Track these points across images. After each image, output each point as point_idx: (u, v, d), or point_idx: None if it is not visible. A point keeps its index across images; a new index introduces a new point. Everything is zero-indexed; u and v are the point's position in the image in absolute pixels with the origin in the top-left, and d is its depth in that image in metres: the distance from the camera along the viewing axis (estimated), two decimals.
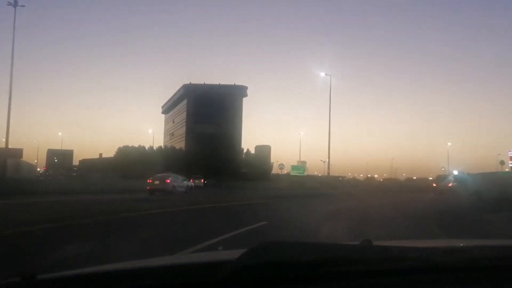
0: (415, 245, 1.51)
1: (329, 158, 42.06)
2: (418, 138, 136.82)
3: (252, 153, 76.28)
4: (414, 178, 68.45)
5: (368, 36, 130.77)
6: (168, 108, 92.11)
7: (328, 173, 45.29)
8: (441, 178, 32.06)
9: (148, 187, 23.14)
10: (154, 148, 72.05)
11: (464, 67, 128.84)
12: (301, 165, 62.39)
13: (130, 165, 56.31)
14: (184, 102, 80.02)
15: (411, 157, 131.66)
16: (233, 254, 1.05)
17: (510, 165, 58.49)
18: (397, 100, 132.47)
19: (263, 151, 77.05)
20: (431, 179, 57.48)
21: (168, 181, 23.66)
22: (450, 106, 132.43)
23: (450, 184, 29.35)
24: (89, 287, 1.08)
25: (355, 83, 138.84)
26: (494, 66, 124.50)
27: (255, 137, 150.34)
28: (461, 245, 1.54)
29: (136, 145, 71.74)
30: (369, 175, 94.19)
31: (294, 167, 61.79)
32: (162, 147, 77.18)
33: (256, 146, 79.01)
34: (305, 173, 60.89)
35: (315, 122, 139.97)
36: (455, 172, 52.91)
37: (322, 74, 41.87)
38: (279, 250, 1.00)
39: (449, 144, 68.14)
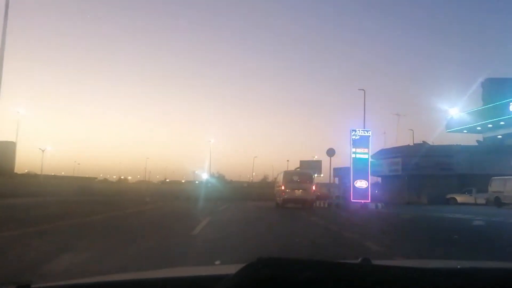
0: (416, 265, 1.49)
1: None
2: (175, 141, 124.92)
3: None
4: (167, 180, 68.68)
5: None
6: None
7: None
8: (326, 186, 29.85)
9: None
10: None
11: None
12: None
13: None
14: None
15: (167, 160, 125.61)
16: (231, 269, 1.04)
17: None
18: (150, 102, 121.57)
19: None
20: (183, 182, 57.78)
21: None
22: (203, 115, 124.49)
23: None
24: None
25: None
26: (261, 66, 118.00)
27: None
28: (464, 267, 1.52)
29: None
30: (122, 177, 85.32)
31: None
32: None
33: None
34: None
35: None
36: (205, 176, 55.53)
37: None
38: (277, 266, 0.99)
39: (211, 141, 61.15)
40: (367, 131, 24.64)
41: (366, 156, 24.36)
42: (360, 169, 23.91)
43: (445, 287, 1.04)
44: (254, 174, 74.79)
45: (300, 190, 21.15)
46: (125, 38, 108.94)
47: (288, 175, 22.65)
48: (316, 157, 54.53)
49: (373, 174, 28.51)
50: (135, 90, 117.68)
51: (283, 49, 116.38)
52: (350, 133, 24.05)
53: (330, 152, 25.14)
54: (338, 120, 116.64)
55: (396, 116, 54.82)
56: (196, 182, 57.84)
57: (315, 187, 23.86)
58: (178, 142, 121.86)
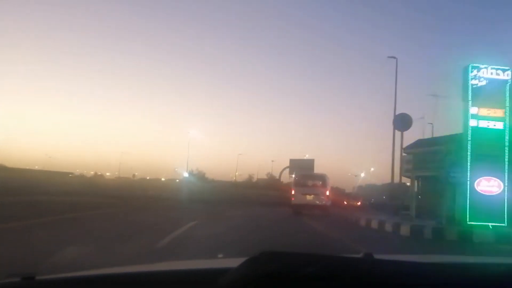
0: (418, 260, 1.49)
1: None
2: (157, 137, 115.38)
3: None
4: (148, 178, 62.81)
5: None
6: None
7: None
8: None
9: None
10: None
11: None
12: None
13: None
14: None
15: (149, 157, 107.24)
16: (233, 262, 1.04)
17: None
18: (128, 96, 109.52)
19: None
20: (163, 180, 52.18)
21: None
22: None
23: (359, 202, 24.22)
24: None
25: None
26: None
27: None
28: (466, 262, 1.53)
29: None
30: (99, 173, 75.57)
31: None
32: None
33: None
34: None
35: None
36: (186, 174, 49.29)
37: None
38: (280, 260, 0.99)
39: (190, 132, 53.46)
40: (504, 70, 11.32)
41: (500, 126, 11.14)
42: (486, 154, 11.04)
43: (447, 282, 1.04)
44: (237, 173, 67.49)
45: (312, 195, 18.50)
46: (100, 29, 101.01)
47: (298, 178, 20.24)
48: (307, 156, 49.32)
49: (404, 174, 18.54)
50: (112, 83, 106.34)
51: (270, 44, 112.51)
52: (466, 75, 11.40)
53: (404, 120, 15.08)
54: (331, 118, 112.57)
55: (434, 98, 41.64)
56: (177, 180, 51.79)
57: (330, 192, 19.68)
58: (160, 138, 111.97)
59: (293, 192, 18.91)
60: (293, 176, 20.82)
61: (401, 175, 19.21)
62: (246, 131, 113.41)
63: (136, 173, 67.78)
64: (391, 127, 21.00)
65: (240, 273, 0.95)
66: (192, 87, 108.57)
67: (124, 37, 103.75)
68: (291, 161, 44.91)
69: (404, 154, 17.47)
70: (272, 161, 65.58)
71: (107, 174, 75.36)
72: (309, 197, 18.45)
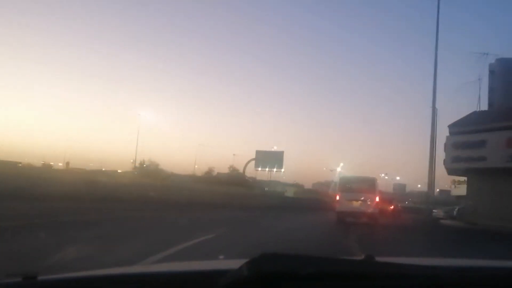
0: (418, 262, 1.49)
1: None
2: (114, 127, 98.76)
3: None
4: (104, 169, 49.41)
5: None
6: None
7: None
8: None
9: None
10: None
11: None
12: None
13: None
14: None
15: (97, 146, 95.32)
16: (234, 263, 1.04)
17: None
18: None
19: None
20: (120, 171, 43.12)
21: None
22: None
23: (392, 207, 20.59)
24: None
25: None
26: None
27: None
28: (468, 264, 1.53)
29: None
30: (51, 163, 63.56)
31: None
32: None
33: None
34: None
35: None
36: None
37: None
38: (281, 261, 0.99)
39: (140, 114, 48.84)
40: None
41: None
42: None
43: (448, 284, 1.05)
44: (196, 166, 60.12)
45: (359, 202, 16.61)
46: (40, 15, 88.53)
47: (344, 181, 18.35)
48: (275, 147, 44.96)
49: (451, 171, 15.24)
50: (62, 69, 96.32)
51: (235, 31, 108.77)
52: None
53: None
54: (298, 112, 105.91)
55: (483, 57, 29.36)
56: (136, 173, 43.90)
57: (379, 198, 17.78)
58: (113, 128, 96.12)
59: (337, 197, 17.19)
60: (337, 180, 18.63)
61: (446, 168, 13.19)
62: (207, 121, 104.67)
63: (91, 164, 59.04)
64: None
65: (241, 274, 0.95)
66: (145, 71, 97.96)
67: (75, 24, 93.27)
68: (258, 152, 41.00)
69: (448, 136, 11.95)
70: (234, 154, 59.95)
71: (59, 164, 60.61)
72: (356, 204, 16.67)
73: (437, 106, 15.25)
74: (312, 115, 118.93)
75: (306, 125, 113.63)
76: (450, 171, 18.02)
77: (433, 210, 30.68)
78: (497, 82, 20.98)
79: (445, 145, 12.17)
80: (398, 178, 54.04)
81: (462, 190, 36.33)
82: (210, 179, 44.82)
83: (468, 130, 15.18)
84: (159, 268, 1.42)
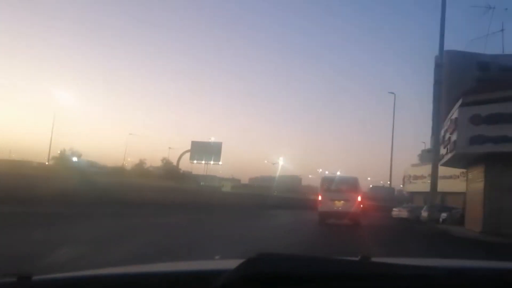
0: (414, 263, 1.50)
1: None
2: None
3: None
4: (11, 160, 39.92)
5: None
6: None
7: None
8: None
9: None
10: None
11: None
12: None
13: None
14: None
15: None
16: (230, 263, 1.04)
17: None
18: None
19: None
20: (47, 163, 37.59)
21: None
22: None
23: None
24: None
25: None
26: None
27: None
28: (463, 265, 1.53)
29: None
30: None
31: None
32: None
33: None
34: None
35: None
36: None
37: None
38: (277, 262, 0.99)
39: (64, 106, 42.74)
40: None
41: None
42: None
43: (443, 285, 1.05)
44: (128, 158, 55.81)
45: (341, 201, 16.65)
46: None
47: (326, 181, 18.44)
48: (213, 138, 41.62)
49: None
50: None
51: (166, 15, 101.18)
52: None
53: None
54: (238, 103, 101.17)
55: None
56: (46, 163, 39.25)
57: (361, 197, 17.83)
58: (36, 113, 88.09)
59: (320, 197, 17.24)
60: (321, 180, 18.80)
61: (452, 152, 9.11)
62: (140, 108, 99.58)
63: (13, 154, 48.41)
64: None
65: (237, 274, 0.95)
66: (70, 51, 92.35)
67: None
68: (193, 143, 38.38)
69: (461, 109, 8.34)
70: (170, 148, 52.41)
71: None
72: (339, 204, 16.74)
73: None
74: (254, 106, 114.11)
75: (247, 116, 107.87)
76: (461, 159, 12.05)
77: (393, 209, 30.57)
78: (443, 75, 20.22)
79: (455, 121, 8.38)
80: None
81: (416, 186, 35.02)
82: (141, 172, 40.96)
83: (495, 97, 10.29)
84: (154, 268, 1.42)
